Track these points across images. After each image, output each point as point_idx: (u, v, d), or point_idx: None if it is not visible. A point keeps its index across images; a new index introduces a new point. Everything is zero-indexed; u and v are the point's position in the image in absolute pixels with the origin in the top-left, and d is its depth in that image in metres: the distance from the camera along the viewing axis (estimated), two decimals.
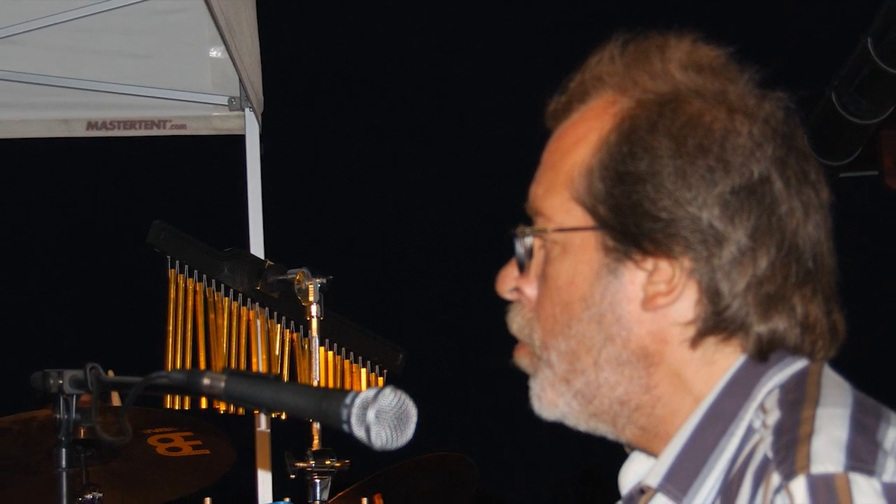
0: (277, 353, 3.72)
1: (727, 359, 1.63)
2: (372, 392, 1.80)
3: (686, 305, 1.62)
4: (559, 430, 1.72)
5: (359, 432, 1.80)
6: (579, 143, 1.68)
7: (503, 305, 1.74)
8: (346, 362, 3.80)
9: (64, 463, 2.09)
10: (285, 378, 3.60)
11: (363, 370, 3.84)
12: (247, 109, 4.93)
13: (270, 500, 4.27)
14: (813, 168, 1.66)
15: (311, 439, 3.29)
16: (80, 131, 5.18)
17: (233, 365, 3.64)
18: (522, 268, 1.71)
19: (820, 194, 1.66)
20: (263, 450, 4.40)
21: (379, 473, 3.90)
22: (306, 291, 3.42)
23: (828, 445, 1.47)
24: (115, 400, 3.27)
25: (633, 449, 1.75)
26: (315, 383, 3.46)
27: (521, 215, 1.73)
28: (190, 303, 3.64)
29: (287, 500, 3.14)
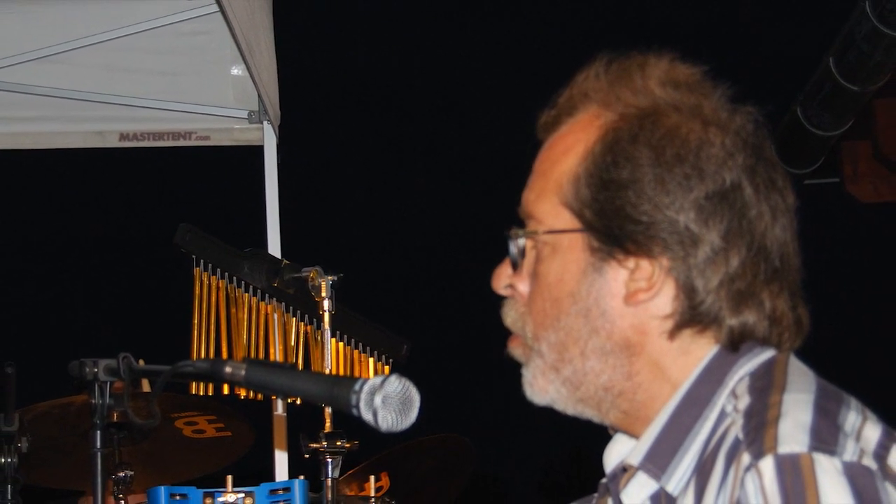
0: (293, 343, 3.71)
1: (702, 349, 1.63)
2: (379, 379, 1.80)
3: (664, 300, 1.62)
4: (549, 415, 1.72)
5: (367, 416, 1.80)
6: (567, 152, 1.68)
7: (498, 301, 1.74)
8: (356, 352, 3.80)
9: (98, 444, 2.09)
10: (300, 367, 3.60)
11: (371, 359, 3.83)
12: (265, 122, 4.93)
13: (287, 478, 4.26)
14: (780, 175, 1.66)
15: (324, 422, 3.29)
16: (113, 142, 5.18)
17: (252, 355, 3.64)
18: (516, 266, 1.71)
19: (786, 199, 1.66)
20: (280, 432, 4.40)
21: (385, 453, 3.90)
22: (319, 288, 3.42)
23: (793, 428, 1.47)
24: (145, 386, 3.27)
25: (616, 431, 1.75)
26: (327, 371, 3.46)
27: (514, 218, 1.73)
28: (213, 298, 3.63)
29: (302, 477, 3.14)
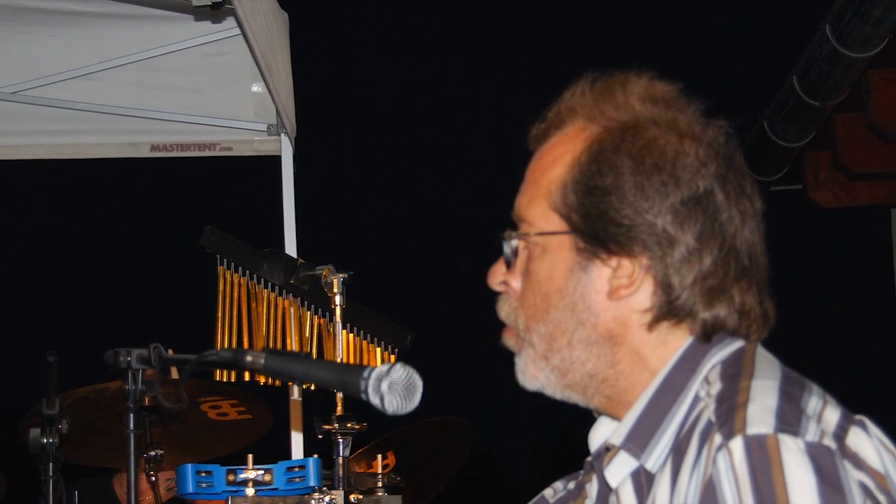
0: (307, 335, 3.71)
1: (678, 340, 1.63)
2: (385, 367, 1.81)
3: (644, 296, 1.62)
4: (539, 399, 1.72)
5: (374, 400, 1.80)
6: (556, 162, 1.68)
7: (493, 296, 1.74)
8: (364, 343, 3.79)
9: (132, 425, 2.09)
10: (314, 356, 3.60)
11: (378, 349, 3.82)
12: (282, 135, 4.93)
13: (302, 457, 4.26)
14: (748, 183, 1.66)
15: (336, 406, 3.29)
16: (144, 152, 5.19)
17: (271, 345, 3.63)
18: (509, 265, 1.71)
19: (754, 204, 1.66)
20: (296, 415, 4.39)
21: (391, 434, 3.89)
22: (331, 284, 3.42)
23: (761, 411, 1.47)
24: (174, 374, 3.26)
25: (600, 414, 1.75)
26: (338, 360, 3.45)
27: (508, 222, 1.73)
28: (235, 294, 3.63)
29: (316, 456, 3.14)
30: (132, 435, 2.08)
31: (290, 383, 3.72)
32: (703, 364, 1.61)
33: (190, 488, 2.99)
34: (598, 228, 1.62)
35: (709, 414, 1.52)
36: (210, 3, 3.63)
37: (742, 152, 1.69)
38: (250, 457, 3.06)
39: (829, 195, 7.16)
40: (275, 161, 4.98)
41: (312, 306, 3.70)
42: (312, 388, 3.37)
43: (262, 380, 3.52)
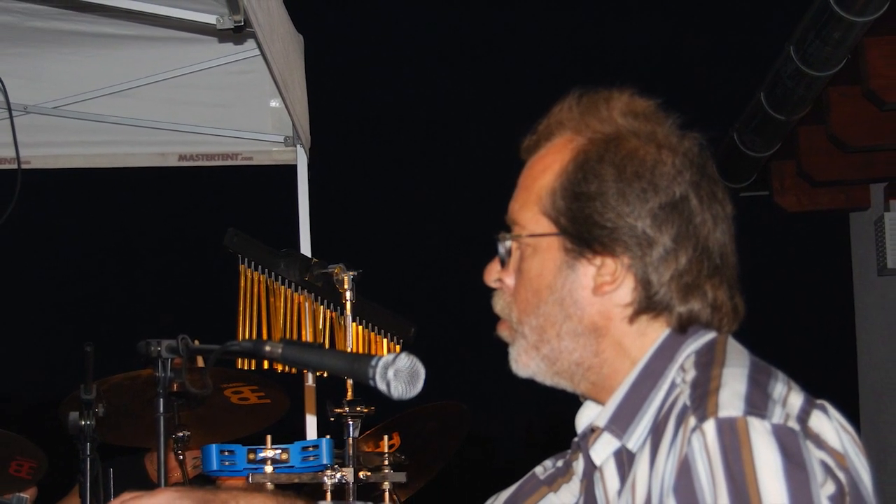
0: (321, 327, 3.70)
1: (656, 331, 1.63)
2: (391, 356, 1.81)
3: (625, 292, 1.62)
4: (531, 385, 1.72)
5: (381, 386, 1.80)
6: (546, 170, 1.68)
7: (489, 292, 1.74)
8: (372, 334, 3.78)
9: (161, 409, 2.08)
10: (327, 346, 3.60)
11: (384, 340, 3.82)
12: (298, 145, 4.93)
13: (316, 437, 4.26)
14: (720, 189, 1.67)
15: (346, 392, 3.29)
16: (173, 162, 5.18)
17: (287, 336, 3.63)
18: (503, 264, 1.71)
19: (725, 209, 1.66)
20: (310, 399, 4.39)
21: (396, 417, 3.89)
22: (342, 281, 3.42)
23: (731, 396, 1.47)
24: (200, 362, 3.26)
25: (586, 399, 1.75)
26: (349, 350, 3.45)
27: (502, 225, 1.73)
28: (255, 290, 3.62)
29: (328, 437, 3.13)
30: (162, 418, 2.08)
31: (305, 371, 3.72)
32: (679, 353, 1.61)
33: (214, 466, 2.99)
34: (583, 231, 1.62)
35: (684, 398, 1.52)
36: (233, 27, 3.63)
37: (714, 161, 1.69)
38: (269, 437, 3.06)
39: (793, 201, 7.16)
40: (291, 170, 4.97)
41: (325, 301, 3.70)
42: (325, 375, 3.37)
43: (279, 368, 3.51)
